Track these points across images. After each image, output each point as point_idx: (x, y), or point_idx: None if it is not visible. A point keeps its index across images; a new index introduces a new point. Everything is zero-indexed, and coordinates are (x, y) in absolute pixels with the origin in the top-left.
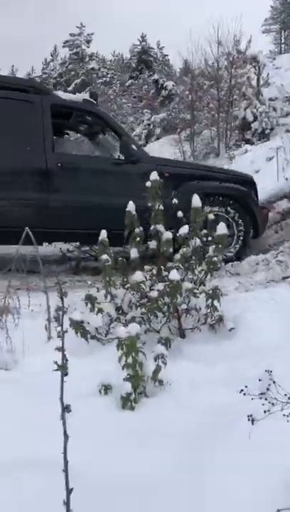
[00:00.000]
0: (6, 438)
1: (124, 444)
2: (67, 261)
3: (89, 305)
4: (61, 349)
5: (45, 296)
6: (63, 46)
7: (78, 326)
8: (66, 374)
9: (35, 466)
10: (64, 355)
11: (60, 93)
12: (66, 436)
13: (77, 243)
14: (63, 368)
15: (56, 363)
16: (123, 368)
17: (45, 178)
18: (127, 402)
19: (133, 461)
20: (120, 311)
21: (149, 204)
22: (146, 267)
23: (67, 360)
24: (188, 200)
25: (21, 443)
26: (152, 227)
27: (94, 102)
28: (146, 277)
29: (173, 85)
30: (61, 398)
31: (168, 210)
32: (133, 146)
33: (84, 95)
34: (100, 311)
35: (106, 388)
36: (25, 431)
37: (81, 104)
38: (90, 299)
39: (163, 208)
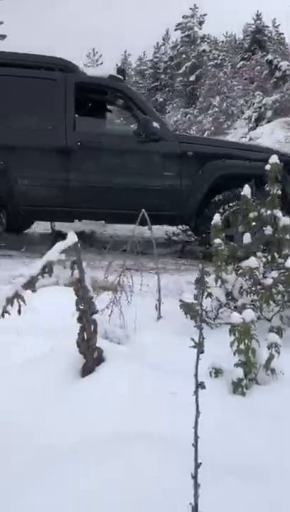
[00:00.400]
0: (118, 411)
1: (236, 428)
2: (172, 244)
3: None
4: (199, 327)
5: (156, 277)
6: (175, 29)
7: (188, 309)
8: (202, 352)
9: (148, 440)
10: (201, 334)
11: (89, 69)
12: (198, 412)
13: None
14: (200, 346)
15: (193, 339)
16: (234, 354)
17: (65, 157)
18: (238, 388)
19: (247, 445)
20: (229, 297)
21: (267, 188)
22: (259, 254)
23: (203, 338)
24: (211, 180)
25: (133, 417)
26: (269, 212)
27: (122, 78)
28: (259, 264)
29: (288, 65)
30: (196, 375)
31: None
32: (156, 124)
33: (111, 71)
34: (209, 295)
35: (217, 372)
36: (138, 404)
37: (106, 81)
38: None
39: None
